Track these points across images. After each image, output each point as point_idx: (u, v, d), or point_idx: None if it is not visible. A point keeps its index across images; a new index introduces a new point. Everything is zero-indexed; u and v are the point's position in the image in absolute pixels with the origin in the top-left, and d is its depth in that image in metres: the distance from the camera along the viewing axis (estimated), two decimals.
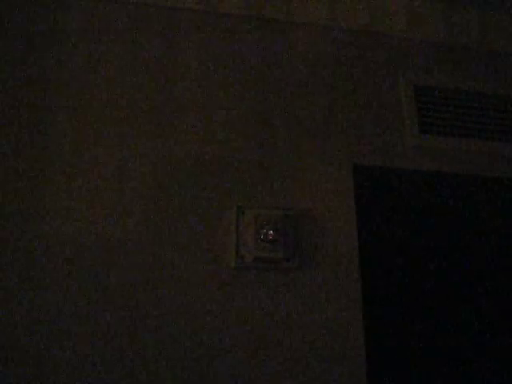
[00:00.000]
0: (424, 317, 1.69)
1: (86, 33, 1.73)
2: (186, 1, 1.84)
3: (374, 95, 1.89)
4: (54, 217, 1.49)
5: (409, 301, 1.69)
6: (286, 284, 1.56)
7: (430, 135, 1.86)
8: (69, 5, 1.75)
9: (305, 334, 1.52)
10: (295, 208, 1.66)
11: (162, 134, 1.66)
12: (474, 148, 1.88)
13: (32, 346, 1.36)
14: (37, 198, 1.51)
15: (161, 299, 1.47)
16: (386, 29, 1.99)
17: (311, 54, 1.90)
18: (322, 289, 1.58)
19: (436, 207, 1.82)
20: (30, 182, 1.52)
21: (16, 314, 1.38)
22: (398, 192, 1.79)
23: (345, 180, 1.73)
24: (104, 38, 1.74)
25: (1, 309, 1.38)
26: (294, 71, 1.85)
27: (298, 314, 1.54)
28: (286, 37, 1.90)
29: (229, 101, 1.76)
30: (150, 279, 1.48)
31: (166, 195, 1.59)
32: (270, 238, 1.54)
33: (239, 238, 1.57)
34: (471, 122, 1.92)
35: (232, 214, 1.60)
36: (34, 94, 1.62)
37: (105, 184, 1.56)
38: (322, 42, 1.93)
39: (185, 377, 1.41)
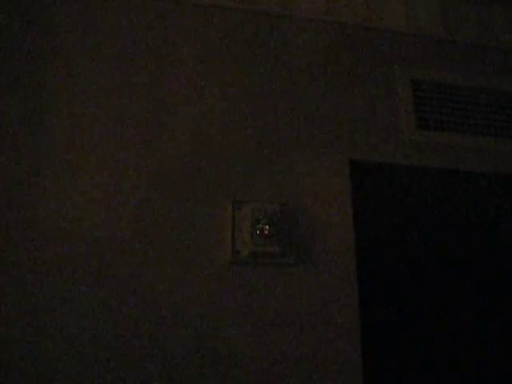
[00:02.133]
0: (422, 316, 1.68)
1: (81, 27, 1.72)
2: None
3: (370, 89, 1.88)
4: (50, 212, 1.48)
5: (406, 298, 1.68)
6: (281, 279, 1.54)
7: (427, 131, 1.85)
8: None
9: (300, 331, 1.50)
10: (291, 203, 1.64)
11: (156, 128, 1.64)
12: (472, 144, 1.87)
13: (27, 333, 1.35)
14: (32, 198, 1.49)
15: (156, 295, 1.45)
16: (384, 22, 1.98)
17: (307, 48, 1.89)
18: (318, 285, 1.56)
19: (432, 203, 1.81)
20: (26, 181, 1.50)
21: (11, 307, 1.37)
22: (394, 187, 1.78)
23: (341, 175, 1.72)
24: (99, 34, 1.72)
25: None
26: (289, 66, 1.84)
27: (293, 309, 1.52)
28: (282, 31, 1.89)
29: (224, 95, 1.74)
30: (145, 275, 1.47)
31: (160, 191, 1.57)
32: (266, 232, 1.53)
33: (235, 232, 1.55)
34: (469, 117, 1.91)
35: (228, 208, 1.59)
36: (29, 91, 1.60)
37: (99, 181, 1.55)
38: (318, 36, 1.92)
39: (181, 374, 1.40)
